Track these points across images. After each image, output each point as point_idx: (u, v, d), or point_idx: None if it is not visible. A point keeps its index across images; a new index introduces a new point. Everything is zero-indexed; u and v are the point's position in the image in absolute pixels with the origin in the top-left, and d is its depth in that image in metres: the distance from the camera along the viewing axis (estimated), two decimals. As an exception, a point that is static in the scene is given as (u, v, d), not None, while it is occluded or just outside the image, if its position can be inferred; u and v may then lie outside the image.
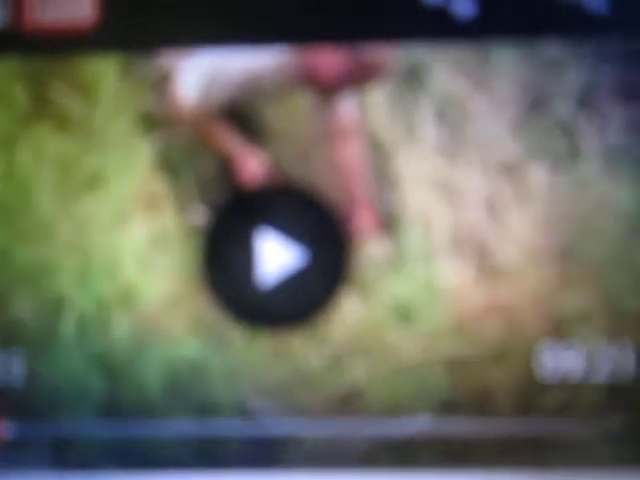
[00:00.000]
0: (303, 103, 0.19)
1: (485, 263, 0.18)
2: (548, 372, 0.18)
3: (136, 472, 0.18)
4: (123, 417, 0.18)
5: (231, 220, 0.19)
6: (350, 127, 0.19)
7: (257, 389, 0.18)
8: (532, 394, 0.18)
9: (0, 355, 0.19)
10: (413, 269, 0.18)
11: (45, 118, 0.19)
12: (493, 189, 0.18)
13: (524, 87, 0.19)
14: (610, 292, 0.18)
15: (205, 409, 0.18)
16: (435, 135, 0.19)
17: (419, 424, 0.18)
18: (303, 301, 0.18)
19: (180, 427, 0.18)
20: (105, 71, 0.19)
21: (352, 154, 0.19)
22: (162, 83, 0.19)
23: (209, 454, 0.18)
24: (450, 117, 0.19)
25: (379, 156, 0.19)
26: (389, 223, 0.19)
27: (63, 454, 0.18)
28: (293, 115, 0.19)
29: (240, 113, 0.19)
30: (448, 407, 0.18)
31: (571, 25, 0.19)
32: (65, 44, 0.19)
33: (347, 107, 0.19)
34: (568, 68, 0.19)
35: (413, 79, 0.19)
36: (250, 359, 0.18)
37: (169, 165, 0.19)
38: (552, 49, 0.19)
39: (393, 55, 0.19)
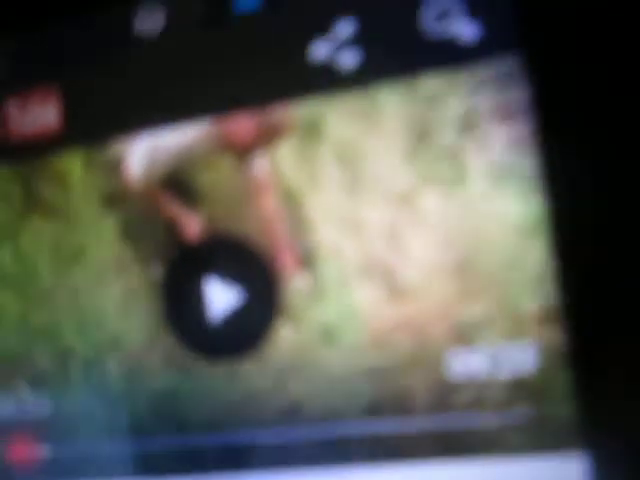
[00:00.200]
0: (225, 166, 0.16)
1: (392, 284, 0.15)
2: (456, 374, 0.14)
3: (132, 477, 0.16)
4: (121, 435, 0.16)
5: (182, 271, 0.16)
6: (265, 181, 0.15)
7: (218, 407, 0.15)
8: (444, 394, 0.14)
9: (32, 395, 0.17)
10: (332, 296, 0.15)
11: (36, 209, 0.17)
12: (392, 218, 0.15)
13: (410, 122, 0.15)
14: (506, 298, 0.14)
15: (181, 426, 0.16)
16: (337, 177, 0.15)
17: (350, 426, 0.15)
18: (247, 332, 0.16)
19: (163, 441, 0.16)
20: (73, 164, 0.17)
21: (270, 205, 0.15)
22: (116, 166, 0.16)
23: (187, 461, 0.16)
24: (348, 159, 0.15)
25: (292, 203, 0.15)
26: (307, 259, 0.15)
27: (83, 466, 0.16)
28: (219, 177, 0.16)
29: (178, 181, 0.16)
30: (373, 410, 0.15)
31: (446, 59, 0.14)
32: (41, 147, 0.17)
33: (261, 165, 0.15)
34: (448, 98, 0.14)
35: (313, 131, 0.15)
36: (210, 384, 0.16)
37: (130, 232, 0.16)
38: (431, 83, 0.14)
39: (293, 113, 0.15)
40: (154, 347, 0.16)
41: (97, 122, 0.17)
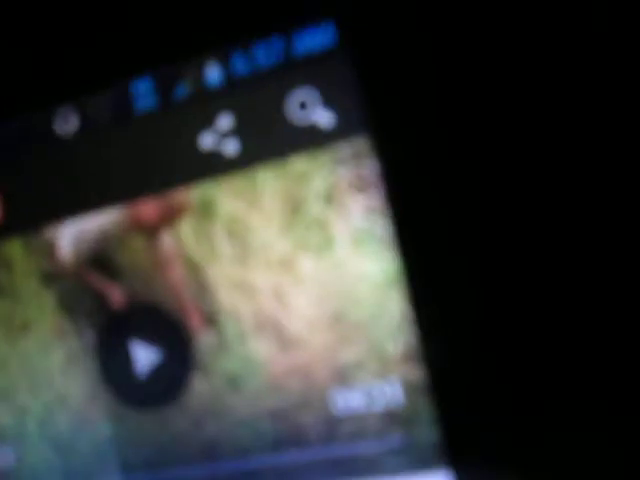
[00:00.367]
0: (137, 244, 0.18)
1: (282, 336, 0.17)
2: (340, 409, 0.16)
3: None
4: (72, 477, 0.18)
5: (110, 336, 0.18)
6: (171, 255, 0.17)
7: (150, 449, 0.18)
8: (331, 427, 0.16)
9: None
10: (234, 349, 0.17)
11: (-12, 289, 0.19)
12: (276, 280, 0.17)
13: (284, 197, 0.17)
14: (374, 343, 0.16)
15: (122, 466, 0.18)
16: (229, 248, 0.17)
17: (258, 460, 0.17)
18: (167, 385, 0.18)
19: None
20: (15, 250, 0.19)
21: (176, 274, 0.17)
22: (50, 249, 0.19)
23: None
24: (237, 232, 0.17)
25: (195, 272, 0.17)
26: (211, 319, 0.17)
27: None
28: (133, 254, 0.18)
29: (101, 259, 0.18)
30: (275, 445, 0.17)
31: (309, 141, 0.16)
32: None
33: (166, 241, 0.18)
34: (313, 175, 0.16)
35: (206, 210, 0.17)
36: (142, 429, 0.18)
37: (66, 305, 0.18)
38: (299, 163, 0.16)
39: (189, 195, 0.17)
40: (94, 402, 0.19)
41: (31, 213, 0.19)
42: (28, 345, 0.19)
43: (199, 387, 0.17)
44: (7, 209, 0.19)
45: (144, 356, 0.18)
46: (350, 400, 0.16)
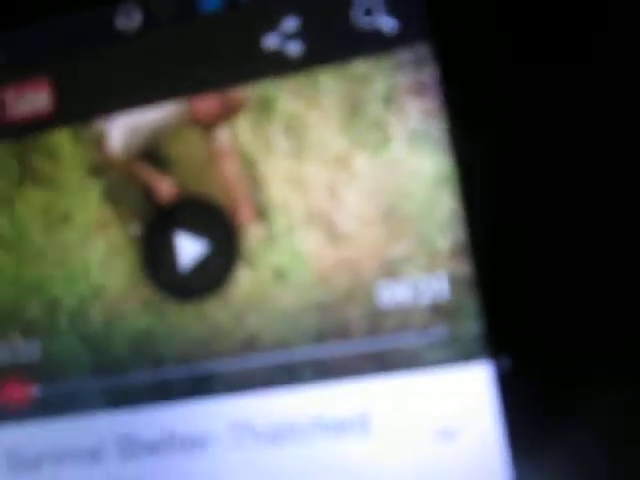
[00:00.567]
0: (192, 138, 0.18)
1: (332, 231, 0.17)
2: (385, 302, 0.17)
3: (117, 409, 0.18)
4: (104, 372, 0.18)
5: (156, 228, 0.18)
6: (227, 150, 0.18)
7: (188, 343, 0.18)
8: (376, 320, 0.17)
9: (24, 342, 0.19)
10: (282, 242, 0.17)
11: (30, 180, 0.19)
12: (330, 176, 0.17)
13: (344, 98, 0.17)
14: (423, 238, 0.16)
15: (157, 360, 0.18)
16: (285, 145, 0.17)
17: (300, 352, 0.17)
18: (211, 277, 0.18)
19: (142, 375, 0.18)
20: (63, 140, 0.19)
21: (231, 168, 0.18)
22: (99, 141, 0.19)
23: (162, 391, 0.18)
24: (294, 130, 0.17)
25: (249, 167, 0.18)
26: (262, 212, 0.17)
27: (71, 402, 0.18)
28: (187, 148, 0.18)
29: (152, 152, 0.18)
30: (319, 337, 0.17)
31: (372, 47, 0.17)
32: (35, 126, 0.19)
33: (223, 136, 0.18)
34: (374, 79, 0.17)
35: (265, 107, 0.18)
36: (181, 323, 0.18)
37: (111, 197, 0.18)
38: (360, 67, 0.17)
39: (249, 93, 0.18)
40: (132, 294, 0.18)
41: (82, 104, 0.19)
42: (67, 236, 0.19)
43: (243, 279, 0.17)
44: (59, 99, 0.19)
45: (189, 248, 0.18)
46: (396, 293, 0.16)
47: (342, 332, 0.17)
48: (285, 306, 0.17)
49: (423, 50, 0.17)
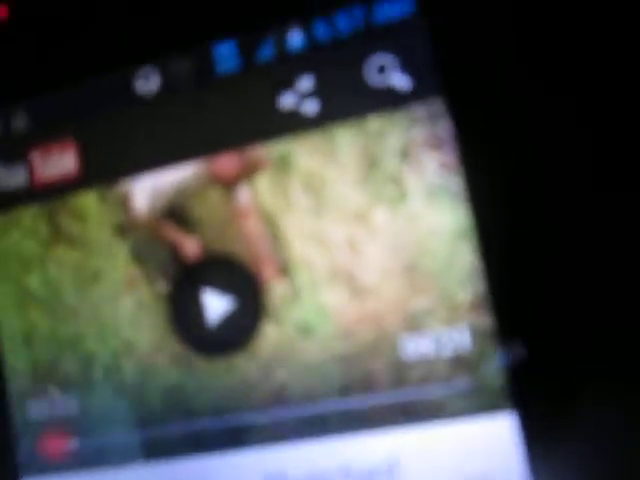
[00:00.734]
0: (214, 197, 0.19)
1: (354, 286, 0.17)
2: (409, 355, 0.17)
3: (152, 461, 0.18)
4: (138, 425, 0.19)
5: (183, 285, 0.19)
6: (248, 208, 0.18)
7: (218, 396, 0.18)
8: (400, 372, 0.17)
9: (62, 396, 0.19)
10: (306, 298, 0.18)
11: (60, 240, 0.20)
12: (350, 232, 0.17)
13: (361, 154, 0.17)
14: (444, 292, 0.17)
15: (188, 413, 0.18)
16: (305, 202, 0.18)
17: (327, 405, 0.17)
18: (238, 332, 0.18)
19: (174, 428, 0.18)
20: (89, 201, 0.19)
21: (253, 226, 0.18)
22: (124, 202, 0.19)
23: (195, 443, 0.18)
24: (313, 187, 0.18)
25: (270, 224, 0.18)
26: (285, 269, 0.18)
27: (108, 454, 0.19)
28: (210, 206, 0.19)
29: (176, 211, 0.19)
30: (344, 390, 0.17)
31: (386, 103, 0.17)
32: (62, 189, 0.20)
33: (244, 194, 0.18)
34: (390, 134, 0.17)
35: (284, 165, 0.18)
36: (211, 377, 0.18)
37: (138, 256, 0.19)
38: (376, 123, 0.17)
39: (267, 151, 0.18)
40: (162, 349, 0.19)
41: (107, 166, 0.20)
42: (98, 294, 0.19)
43: (270, 334, 0.18)
44: (84, 161, 0.20)
45: (215, 304, 0.18)
46: (419, 346, 0.17)
47: (367, 384, 0.17)
48: (311, 359, 0.18)
49: (437, 105, 0.17)
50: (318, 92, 0.18)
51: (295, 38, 0.18)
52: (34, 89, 0.20)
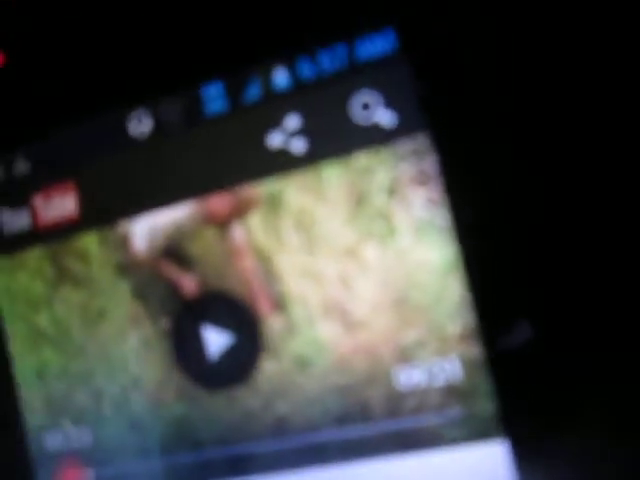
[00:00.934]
0: (209, 236, 0.19)
1: (347, 319, 0.18)
2: (403, 385, 0.17)
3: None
4: (147, 455, 0.20)
5: (183, 322, 0.19)
6: (242, 246, 0.19)
7: (221, 427, 0.19)
8: (395, 402, 0.17)
9: (76, 429, 0.20)
10: (302, 332, 0.18)
11: (65, 281, 0.20)
12: (341, 267, 0.18)
13: (349, 191, 0.18)
14: (434, 324, 0.17)
15: (194, 444, 0.19)
16: (297, 238, 0.18)
17: (325, 434, 0.18)
18: (238, 366, 0.19)
19: (180, 457, 0.19)
20: (90, 242, 0.20)
21: (247, 264, 0.19)
22: (124, 242, 0.20)
23: (201, 472, 0.19)
24: (304, 224, 0.18)
25: (264, 262, 0.19)
26: (280, 304, 0.18)
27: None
28: (205, 245, 0.19)
29: (173, 250, 0.19)
30: (342, 420, 0.18)
31: (372, 140, 0.17)
32: (64, 231, 0.20)
33: (237, 233, 0.19)
34: (376, 170, 0.18)
35: (275, 203, 0.18)
36: (213, 409, 0.19)
37: (140, 294, 0.20)
38: (363, 159, 0.18)
39: (258, 190, 0.18)
40: (167, 383, 0.20)
41: (106, 207, 0.20)
42: (104, 332, 0.20)
43: (268, 368, 0.18)
44: (84, 203, 0.20)
45: (215, 340, 0.19)
46: (412, 376, 0.17)
47: (364, 414, 0.18)
48: (309, 391, 0.18)
49: (422, 140, 0.17)
50: (305, 130, 0.18)
51: (280, 77, 0.18)
52: (33, 134, 0.21)
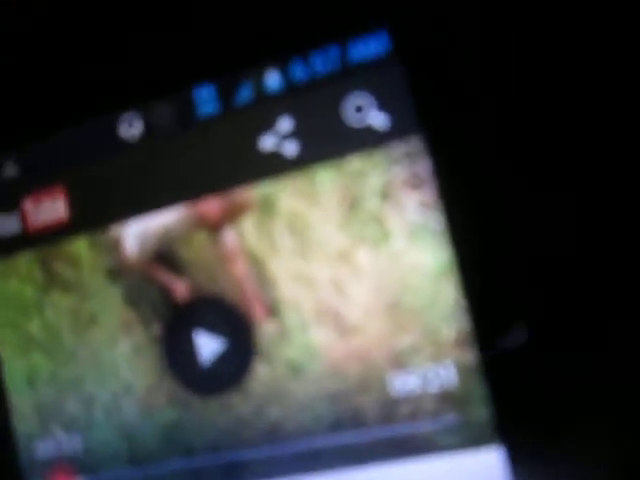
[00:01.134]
0: (201, 240, 0.19)
1: (340, 324, 0.18)
2: (397, 391, 0.17)
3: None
4: (138, 462, 0.19)
5: (175, 327, 0.19)
6: (234, 250, 0.18)
7: (213, 433, 0.19)
8: (388, 408, 0.17)
9: (67, 435, 0.20)
10: (295, 337, 0.18)
11: (56, 285, 0.20)
12: (335, 272, 0.18)
13: (342, 194, 0.18)
14: (429, 329, 0.17)
15: (186, 450, 0.19)
16: (290, 243, 0.18)
17: (319, 440, 0.18)
18: (230, 371, 0.19)
19: (172, 464, 0.19)
20: (81, 247, 0.20)
21: (240, 268, 0.18)
22: (115, 246, 0.20)
23: (194, 479, 0.19)
24: (297, 228, 0.18)
25: (257, 265, 0.18)
26: (273, 309, 0.18)
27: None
28: (197, 249, 0.19)
29: (165, 255, 0.19)
30: (335, 426, 0.18)
31: (365, 142, 0.17)
32: (54, 235, 0.20)
33: (229, 237, 0.18)
34: (369, 173, 0.17)
35: (268, 207, 0.18)
36: (205, 415, 0.19)
37: (131, 299, 0.19)
38: (355, 162, 0.17)
39: (250, 194, 0.18)
40: (159, 389, 0.20)
41: (97, 211, 0.20)
42: (95, 337, 0.20)
43: (261, 373, 0.18)
44: (74, 207, 0.20)
45: (208, 345, 0.19)
46: (406, 382, 0.17)
47: (357, 420, 0.17)
48: (301, 397, 0.18)
49: (416, 143, 0.17)
50: (298, 133, 0.18)
51: (272, 79, 0.18)
52: (23, 138, 0.20)
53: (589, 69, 0.16)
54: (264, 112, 0.18)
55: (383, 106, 0.17)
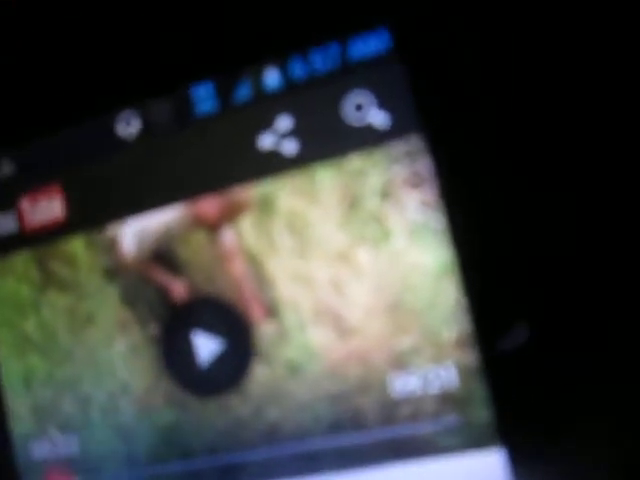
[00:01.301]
0: (199, 239, 0.19)
1: (340, 325, 0.17)
2: (397, 392, 0.17)
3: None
4: (135, 463, 0.19)
5: (173, 327, 0.19)
6: (233, 250, 0.18)
7: (211, 435, 0.18)
8: (389, 409, 0.17)
9: (63, 436, 0.20)
10: (294, 338, 0.18)
11: (52, 285, 0.20)
12: (334, 272, 0.17)
13: (341, 193, 0.17)
14: (429, 329, 0.17)
15: (183, 452, 0.19)
16: (289, 242, 0.18)
17: (318, 442, 0.18)
18: (229, 372, 0.18)
19: (169, 466, 0.19)
20: (78, 246, 0.20)
21: (238, 268, 0.18)
22: (112, 246, 0.19)
23: (192, 482, 0.19)
24: (296, 227, 0.18)
25: (256, 265, 0.18)
26: (272, 309, 0.18)
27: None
28: (195, 249, 0.19)
29: (163, 254, 0.19)
30: (334, 427, 0.17)
31: (365, 141, 0.17)
32: (51, 234, 0.20)
33: (228, 236, 0.18)
34: (369, 172, 0.17)
35: (267, 206, 0.18)
36: (203, 416, 0.19)
37: (129, 299, 0.19)
38: (355, 161, 0.17)
39: (249, 193, 0.18)
40: (156, 390, 0.19)
41: (93, 211, 0.20)
42: (92, 337, 0.19)
43: (260, 374, 0.18)
44: (71, 206, 0.20)
45: (206, 346, 0.19)
46: (407, 383, 0.17)
47: (357, 422, 0.17)
48: (300, 398, 0.18)
49: (416, 141, 0.17)
50: (297, 131, 0.18)
51: (271, 77, 0.18)
52: (19, 136, 0.20)
53: (589, 69, 0.16)
54: (263, 110, 0.18)
55: (383, 104, 0.17)
